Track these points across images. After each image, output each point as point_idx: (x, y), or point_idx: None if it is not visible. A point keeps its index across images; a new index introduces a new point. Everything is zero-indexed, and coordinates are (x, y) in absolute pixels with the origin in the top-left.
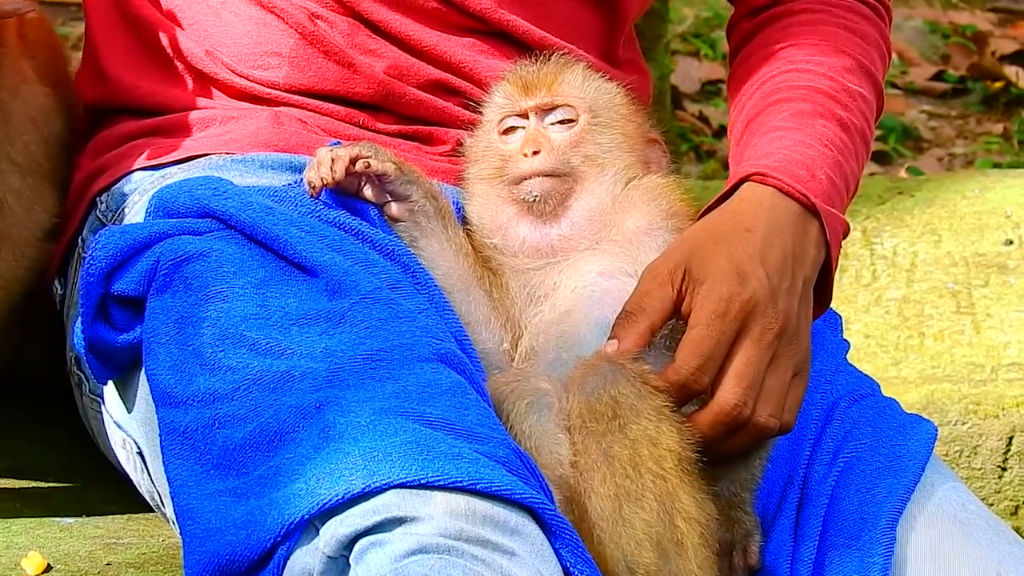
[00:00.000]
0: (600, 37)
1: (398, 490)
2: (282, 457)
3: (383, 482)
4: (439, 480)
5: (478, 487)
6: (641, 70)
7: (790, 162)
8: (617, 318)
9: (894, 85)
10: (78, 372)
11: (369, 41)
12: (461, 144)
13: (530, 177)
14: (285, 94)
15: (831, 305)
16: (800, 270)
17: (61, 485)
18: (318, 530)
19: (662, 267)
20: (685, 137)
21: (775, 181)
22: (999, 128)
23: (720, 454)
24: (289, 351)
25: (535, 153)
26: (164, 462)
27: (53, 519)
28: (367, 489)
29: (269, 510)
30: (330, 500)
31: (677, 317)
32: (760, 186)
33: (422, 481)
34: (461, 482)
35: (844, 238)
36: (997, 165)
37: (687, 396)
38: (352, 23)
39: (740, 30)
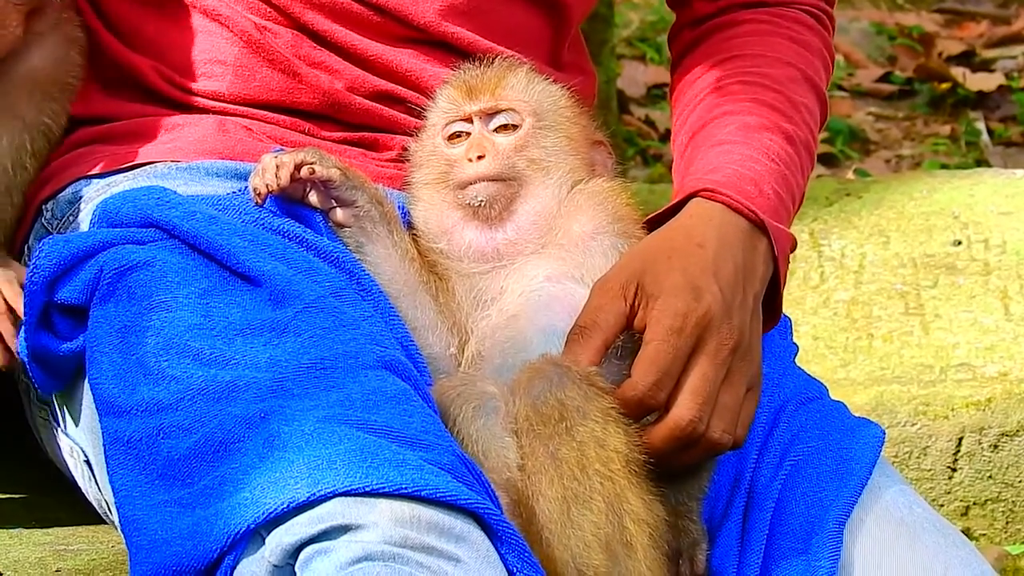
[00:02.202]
0: (546, 43)
1: (343, 498)
2: (227, 467)
3: (328, 490)
4: (383, 487)
5: (422, 494)
6: (587, 72)
7: (738, 177)
8: (570, 333)
9: (840, 87)
10: (25, 380)
11: (314, 52)
12: (406, 150)
13: (475, 182)
14: (229, 105)
15: (787, 308)
16: (751, 286)
17: (9, 495)
18: (264, 539)
19: (614, 281)
20: (632, 141)
21: (723, 197)
22: (946, 129)
23: (672, 468)
24: (233, 361)
25: (480, 158)
26: (108, 472)
27: (2, 527)
28: (312, 498)
29: (215, 520)
30: (275, 509)
31: (630, 331)
32: (709, 202)
33: (366, 489)
34: (405, 489)
35: (791, 252)
36: (944, 166)
37: (643, 411)
38: (296, 35)
39: (682, 39)
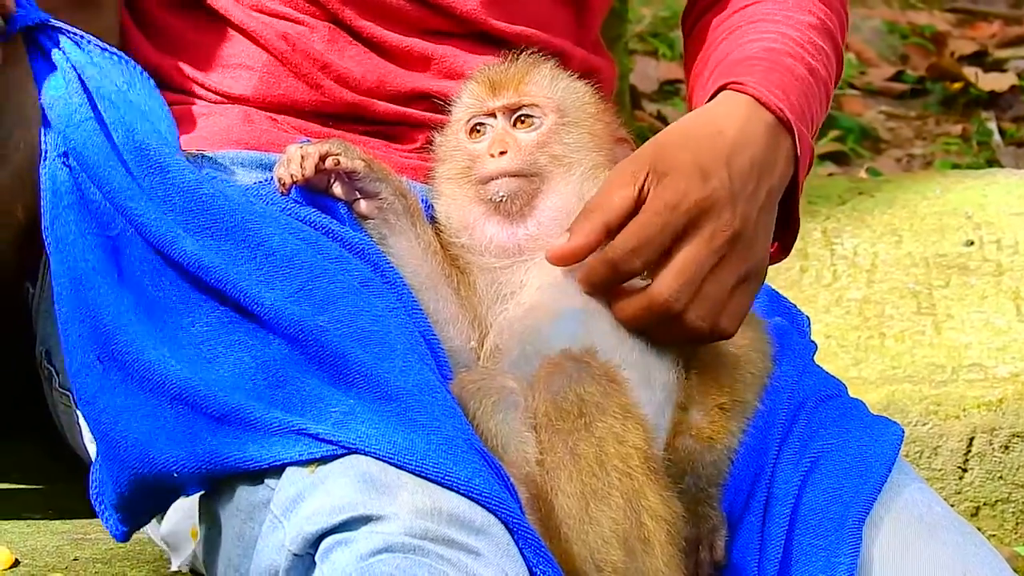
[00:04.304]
0: (574, 32)
1: (363, 485)
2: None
3: (353, 444)
4: (409, 464)
5: (445, 481)
6: (609, 61)
7: (767, 81)
8: (576, 216)
9: (852, 86)
10: (48, 366)
11: (348, 48)
12: (431, 142)
13: (497, 177)
14: (253, 109)
15: (800, 306)
16: (767, 180)
17: (28, 485)
18: (283, 524)
19: (627, 167)
20: (644, 136)
21: (753, 90)
22: (958, 129)
23: (645, 337)
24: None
25: (502, 153)
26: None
27: (20, 517)
28: (337, 443)
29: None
30: (306, 429)
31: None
32: (737, 94)
33: (391, 459)
34: (428, 472)
35: (809, 167)
36: (956, 166)
37: (616, 276)
38: (332, 29)
39: (699, 6)
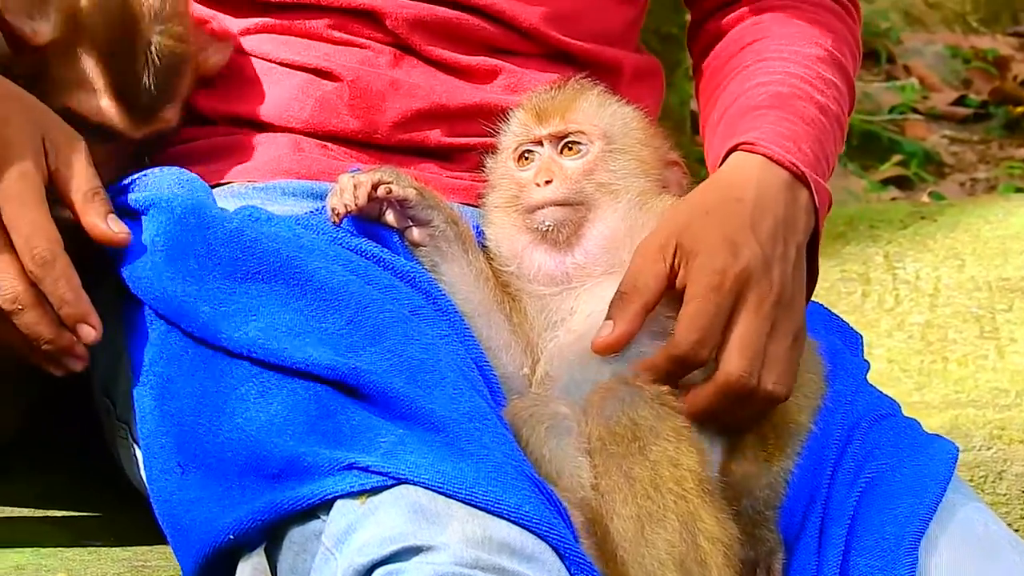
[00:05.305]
0: (632, 38)
1: (413, 515)
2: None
3: (403, 474)
4: (458, 493)
5: (494, 509)
6: (654, 59)
7: (776, 134)
8: (612, 300)
9: (915, 110)
10: (105, 399)
11: (414, 68)
12: (483, 163)
13: (543, 206)
14: (303, 136)
15: (861, 331)
16: (792, 237)
17: (90, 513)
18: (335, 556)
19: (653, 243)
20: (704, 161)
21: (764, 149)
22: (1021, 153)
23: (727, 428)
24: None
25: (548, 182)
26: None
27: (80, 544)
28: (387, 474)
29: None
30: (355, 462)
31: (671, 292)
32: (749, 155)
33: (441, 488)
34: (478, 500)
35: (828, 211)
36: (1019, 190)
37: (687, 370)
38: (397, 52)
39: (705, 30)
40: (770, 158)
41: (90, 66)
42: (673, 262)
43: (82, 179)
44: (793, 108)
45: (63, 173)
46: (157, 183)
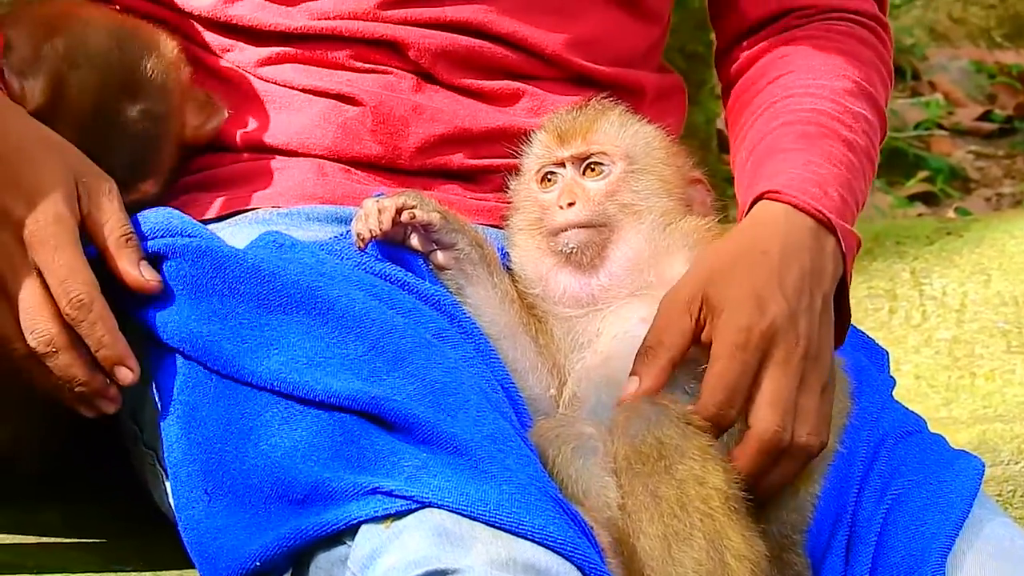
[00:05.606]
0: (653, 58)
1: (437, 538)
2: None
3: (427, 497)
4: (483, 515)
5: (518, 530)
6: (677, 76)
7: (802, 180)
8: (637, 354)
9: (940, 126)
10: (132, 425)
11: (437, 94)
12: (506, 184)
13: (566, 229)
14: (327, 161)
15: (889, 347)
16: (819, 287)
17: (120, 539)
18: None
19: (679, 297)
20: (731, 180)
21: (790, 198)
22: None
23: (770, 486)
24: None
25: (570, 204)
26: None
27: (111, 569)
28: (411, 498)
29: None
30: (381, 487)
31: (697, 346)
32: (774, 204)
33: (466, 511)
34: (502, 522)
35: (856, 253)
36: None
37: (717, 430)
38: (419, 80)
39: (733, 58)
40: (796, 206)
41: (67, 135)
42: (699, 316)
43: (115, 224)
44: (820, 149)
45: (96, 217)
46: (157, 229)
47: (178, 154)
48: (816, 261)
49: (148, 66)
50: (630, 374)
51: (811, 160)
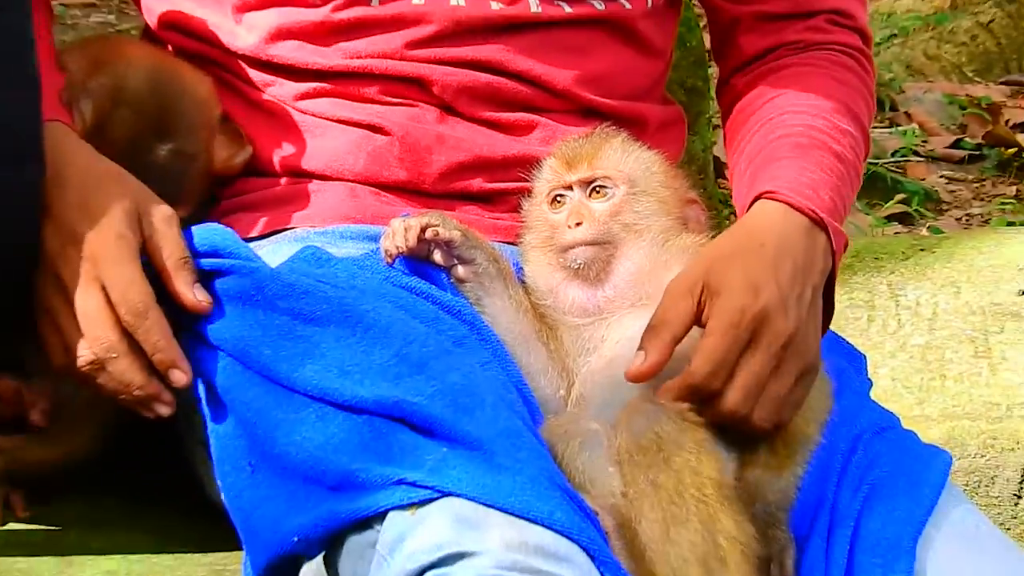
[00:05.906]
0: (658, 90)
1: (455, 525)
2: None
3: (447, 488)
4: (498, 503)
5: (529, 516)
6: (677, 107)
7: (797, 183)
8: (644, 332)
9: (916, 153)
10: (186, 423)
11: (458, 125)
12: (521, 205)
13: (574, 246)
14: (358, 184)
15: (867, 352)
16: (809, 279)
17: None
18: (389, 561)
19: (683, 282)
20: (726, 203)
21: (786, 198)
22: (1012, 190)
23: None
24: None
25: (578, 224)
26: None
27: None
28: (431, 488)
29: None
30: (403, 478)
31: (697, 327)
32: (772, 203)
33: (481, 500)
34: (515, 510)
35: (844, 251)
36: (1011, 223)
37: (700, 397)
38: (442, 112)
39: (732, 86)
40: (791, 205)
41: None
42: (700, 299)
43: (173, 247)
44: (812, 158)
45: (156, 240)
46: (207, 249)
47: (208, 183)
48: (808, 255)
49: (180, 108)
50: (637, 349)
51: (805, 167)
